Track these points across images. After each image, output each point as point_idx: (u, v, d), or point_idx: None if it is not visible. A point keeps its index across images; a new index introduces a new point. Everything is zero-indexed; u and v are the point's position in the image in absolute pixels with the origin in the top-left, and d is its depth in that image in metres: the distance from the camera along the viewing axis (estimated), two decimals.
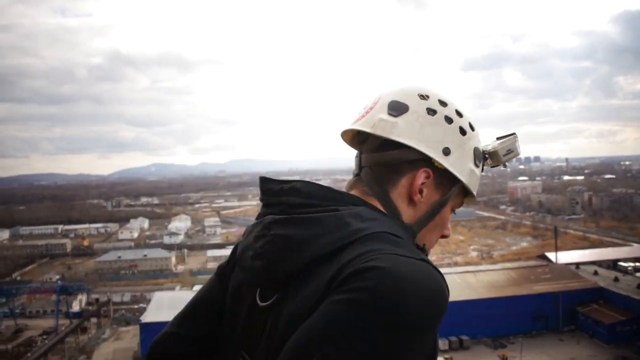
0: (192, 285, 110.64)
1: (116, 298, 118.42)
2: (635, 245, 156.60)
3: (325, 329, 1.14)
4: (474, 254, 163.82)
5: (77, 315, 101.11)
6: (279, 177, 1.45)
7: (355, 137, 1.64)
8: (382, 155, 1.54)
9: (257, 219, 1.46)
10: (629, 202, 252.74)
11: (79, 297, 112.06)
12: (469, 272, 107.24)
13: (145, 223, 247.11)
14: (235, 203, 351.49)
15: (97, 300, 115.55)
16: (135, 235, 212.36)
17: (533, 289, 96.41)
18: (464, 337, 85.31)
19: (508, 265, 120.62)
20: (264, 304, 1.39)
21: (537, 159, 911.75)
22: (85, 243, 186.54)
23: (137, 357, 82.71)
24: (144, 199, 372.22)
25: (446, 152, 1.55)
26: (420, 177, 1.52)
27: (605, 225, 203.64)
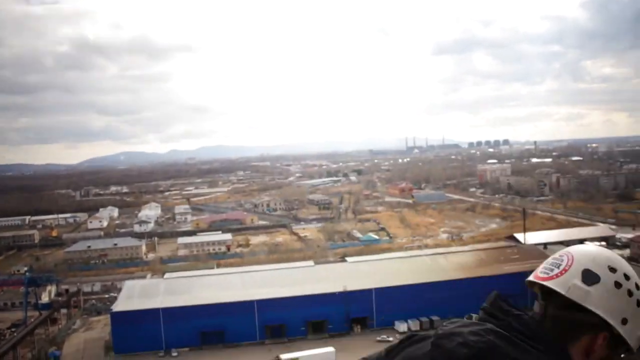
0: (163, 273, 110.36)
1: (86, 288, 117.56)
2: (601, 225, 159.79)
3: None
4: (444, 236, 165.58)
5: (47, 306, 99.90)
6: (509, 304, 2.12)
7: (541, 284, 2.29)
8: (569, 314, 2.07)
9: (468, 317, 2.14)
10: (595, 183, 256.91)
11: (48, 288, 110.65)
12: (440, 254, 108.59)
13: (115, 212, 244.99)
14: (206, 190, 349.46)
15: (66, 290, 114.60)
16: (105, 224, 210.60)
17: (502, 269, 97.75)
18: (435, 318, 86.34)
19: (478, 246, 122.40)
20: None
21: (506, 142, 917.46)
22: (54, 233, 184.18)
23: (108, 346, 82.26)
24: (113, 188, 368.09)
25: (624, 321, 1.99)
26: (600, 339, 2.01)
27: (572, 206, 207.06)
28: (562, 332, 2.04)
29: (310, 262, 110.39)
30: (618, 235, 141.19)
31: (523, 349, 1.81)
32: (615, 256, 2.18)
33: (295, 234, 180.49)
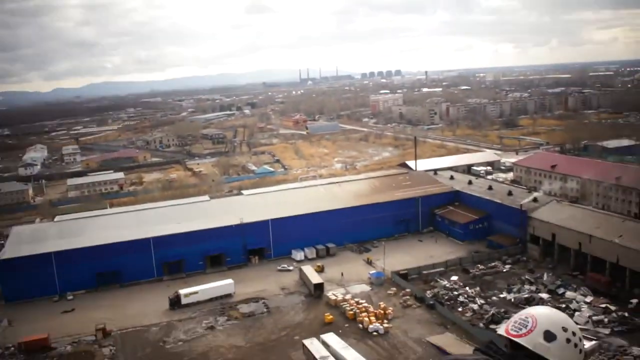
0: (54, 217, 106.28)
1: None
2: (488, 150, 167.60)
3: None
4: (339, 165, 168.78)
5: None
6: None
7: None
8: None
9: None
10: (482, 111, 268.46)
11: None
12: (334, 183, 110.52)
13: None
14: (95, 129, 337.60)
15: None
16: None
17: (395, 195, 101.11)
18: (331, 245, 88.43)
19: (371, 174, 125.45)
20: None
21: (398, 72, 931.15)
22: None
23: None
24: None
25: None
26: None
27: (461, 133, 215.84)
28: None
29: (206, 197, 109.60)
30: (502, 160, 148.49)
31: None
32: (565, 318, 3.56)
33: (190, 169, 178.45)
